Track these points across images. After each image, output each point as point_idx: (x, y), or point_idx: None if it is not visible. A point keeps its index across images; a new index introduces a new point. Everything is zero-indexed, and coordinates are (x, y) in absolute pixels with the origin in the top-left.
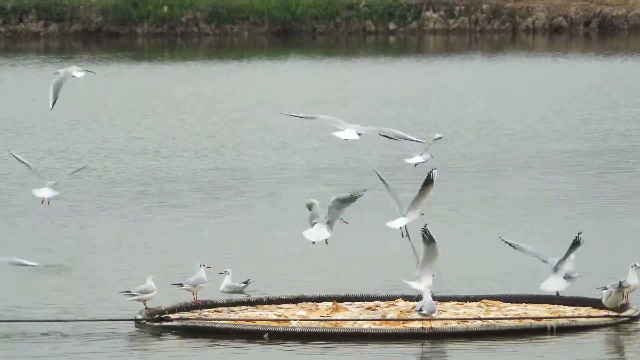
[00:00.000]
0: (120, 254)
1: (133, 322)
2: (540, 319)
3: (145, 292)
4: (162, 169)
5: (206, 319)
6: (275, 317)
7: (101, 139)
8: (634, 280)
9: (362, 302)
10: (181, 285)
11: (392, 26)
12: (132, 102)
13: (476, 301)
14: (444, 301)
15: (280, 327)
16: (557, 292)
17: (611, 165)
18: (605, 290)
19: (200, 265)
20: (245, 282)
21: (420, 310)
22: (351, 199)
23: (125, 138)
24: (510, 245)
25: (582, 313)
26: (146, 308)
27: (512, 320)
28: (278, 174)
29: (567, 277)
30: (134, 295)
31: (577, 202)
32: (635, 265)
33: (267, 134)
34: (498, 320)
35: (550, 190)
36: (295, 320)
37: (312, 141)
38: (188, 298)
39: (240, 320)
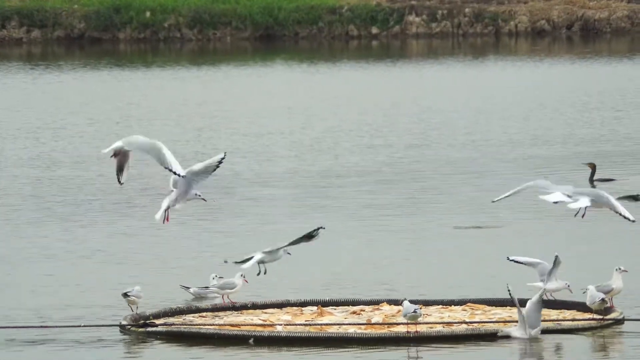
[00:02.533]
0: (100, 261)
1: (118, 327)
2: None
3: (138, 296)
4: (142, 175)
5: (191, 325)
6: (260, 322)
7: (80, 146)
8: (618, 284)
9: (347, 307)
10: (127, 295)
11: (374, 30)
12: (112, 108)
13: (461, 305)
14: (428, 305)
15: (265, 332)
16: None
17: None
18: (589, 291)
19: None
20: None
21: (415, 311)
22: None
23: (104, 146)
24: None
25: (567, 316)
26: (135, 313)
27: (497, 324)
28: (259, 181)
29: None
30: (128, 295)
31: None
32: (620, 269)
33: (247, 140)
34: (483, 324)
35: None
36: (280, 325)
37: (293, 148)
38: (172, 303)
39: (225, 325)
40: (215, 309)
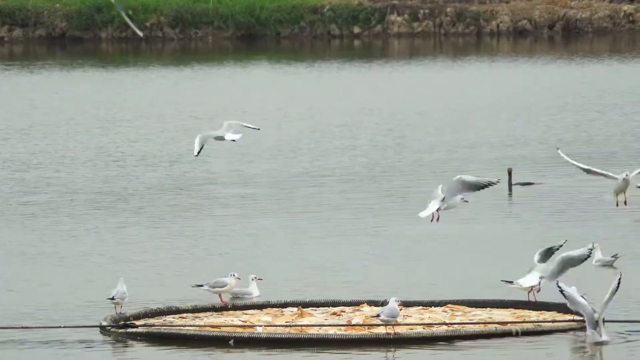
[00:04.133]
0: (81, 261)
1: (98, 328)
2: (505, 323)
3: (122, 297)
4: (122, 176)
5: (171, 325)
6: (240, 323)
7: (62, 146)
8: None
9: (327, 308)
10: (113, 299)
11: (356, 30)
12: (93, 108)
13: (441, 306)
14: (409, 306)
15: (246, 333)
16: None
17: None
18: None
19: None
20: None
21: (378, 315)
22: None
23: (84, 146)
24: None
25: (547, 317)
26: (116, 313)
27: (478, 325)
28: (239, 182)
29: None
30: (114, 299)
31: (542, 205)
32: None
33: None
34: (463, 325)
35: (514, 194)
36: (261, 326)
37: (271, 149)
38: (153, 304)
39: (205, 326)
40: (196, 309)
